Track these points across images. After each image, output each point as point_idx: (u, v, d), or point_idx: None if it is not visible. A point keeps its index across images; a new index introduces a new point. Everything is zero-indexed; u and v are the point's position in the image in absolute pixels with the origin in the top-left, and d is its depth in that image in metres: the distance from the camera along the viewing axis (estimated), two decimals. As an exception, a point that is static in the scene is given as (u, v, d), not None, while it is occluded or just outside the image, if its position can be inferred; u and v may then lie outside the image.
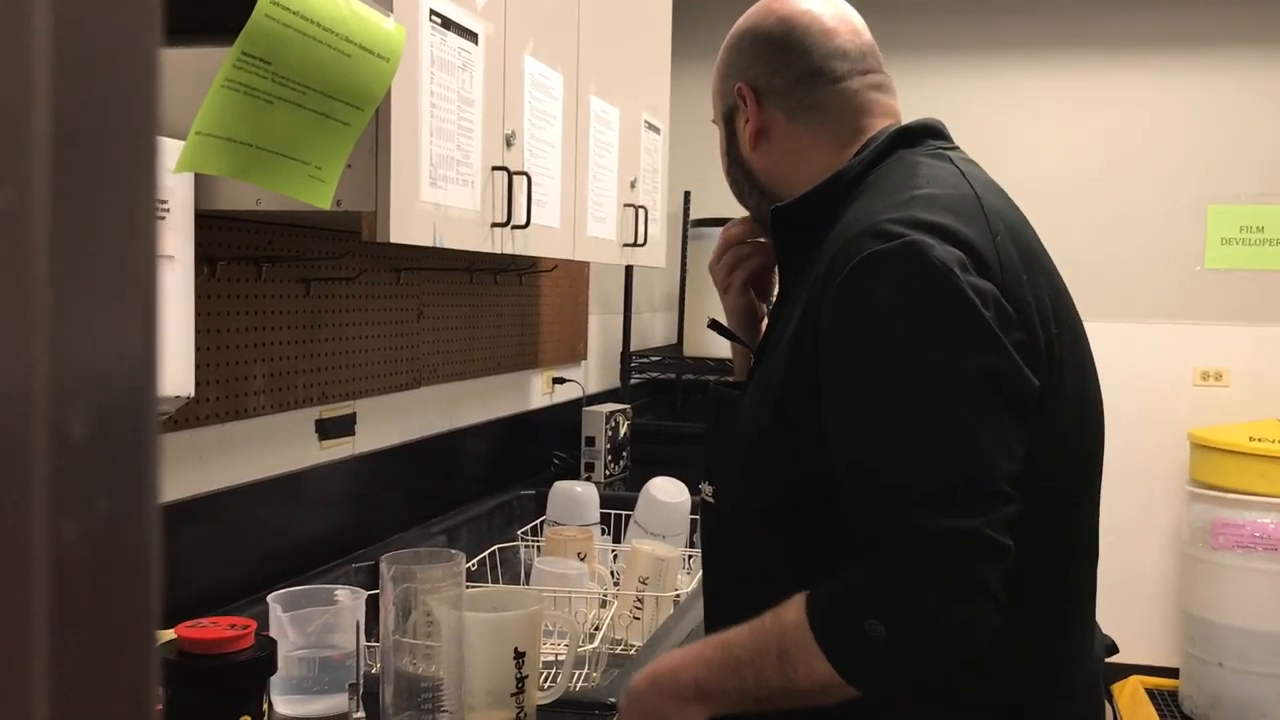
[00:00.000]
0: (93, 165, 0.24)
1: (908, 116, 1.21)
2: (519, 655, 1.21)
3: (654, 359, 3.60)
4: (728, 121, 1.25)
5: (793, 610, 0.96)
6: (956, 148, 1.17)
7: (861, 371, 0.97)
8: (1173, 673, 3.82)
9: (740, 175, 1.25)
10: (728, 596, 1.18)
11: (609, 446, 2.83)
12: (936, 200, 1.02)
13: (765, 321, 1.31)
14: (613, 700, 1.32)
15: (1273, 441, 3.43)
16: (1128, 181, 3.92)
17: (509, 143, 1.69)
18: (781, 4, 1.19)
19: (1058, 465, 1.04)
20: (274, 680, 1.14)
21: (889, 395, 0.95)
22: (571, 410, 2.91)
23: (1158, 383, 3.92)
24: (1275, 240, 3.80)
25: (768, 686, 0.97)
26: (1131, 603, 3.97)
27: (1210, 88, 3.84)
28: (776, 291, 1.30)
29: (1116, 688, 3.92)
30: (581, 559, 1.81)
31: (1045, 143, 3.97)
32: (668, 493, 2.10)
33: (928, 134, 1.15)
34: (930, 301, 0.95)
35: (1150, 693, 3.81)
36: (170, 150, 1.38)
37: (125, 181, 0.25)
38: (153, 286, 0.25)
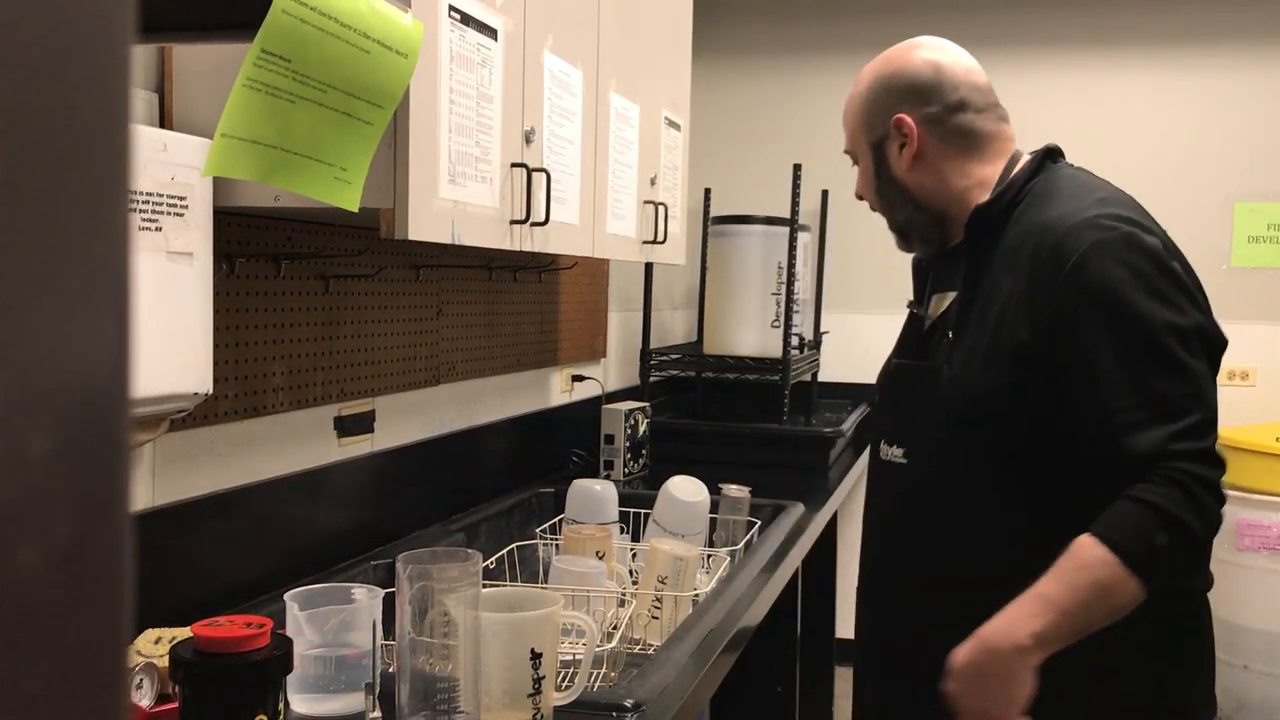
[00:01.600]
0: (54, 159, 0.23)
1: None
2: (536, 656, 1.20)
3: (674, 356, 3.59)
4: (876, 149, 1.49)
5: (1088, 550, 1.20)
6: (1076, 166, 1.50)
7: (1110, 332, 1.24)
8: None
9: (893, 193, 1.50)
10: (912, 551, 1.44)
11: (628, 444, 2.82)
12: (1120, 201, 1.34)
13: (939, 303, 1.51)
14: (631, 702, 1.31)
15: (1300, 442, 3.40)
16: (1153, 179, 3.87)
17: (528, 139, 1.68)
18: (922, 48, 1.49)
19: None
20: (290, 679, 1.14)
21: (1136, 347, 1.23)
22: (591, 408, 2.91)
23: (1183, 382, 3.87)
24: (1303, 238, 3.75)
25: (1093, 616, 1.21)
26: (1155, 604, 3.93)
27: (1237, 84, 3.80)
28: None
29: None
30: (600, 557, 1.81)
31: (1070, 140, 3.92)
32: (687, 491, 2.09)
33: (1059, 154, 1.49)
34: (1151, 275, 1.25)
35: (1174, 695, 3.77)
36: (200, 151, 1.38)
37: (93, 175, 0.24)
38: (125, 285, 0.24)
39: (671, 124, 2.46)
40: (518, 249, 1.67)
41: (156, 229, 1.33)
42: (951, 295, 1.45)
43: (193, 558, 1.53)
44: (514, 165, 1.64)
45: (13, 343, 0.22)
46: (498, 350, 2.47)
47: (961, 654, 1.26)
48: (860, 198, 1.57)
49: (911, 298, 1.61)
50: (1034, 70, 3.94)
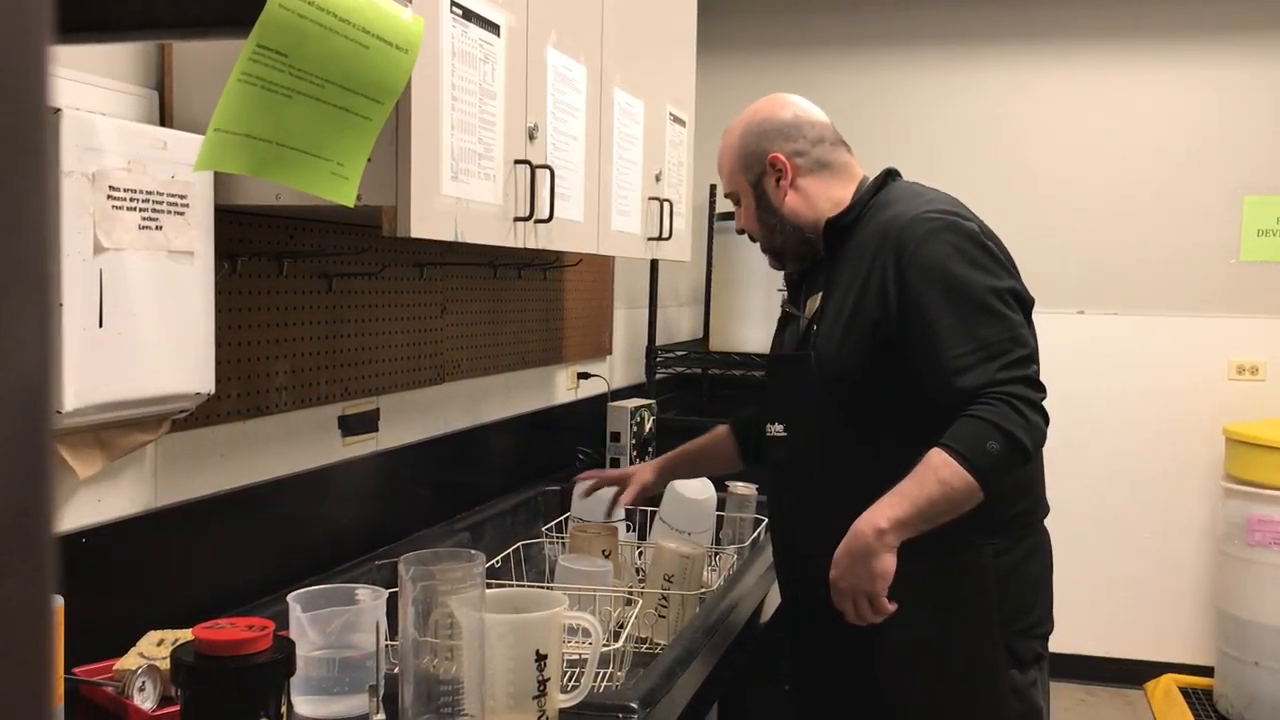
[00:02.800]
0: None
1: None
2: (540, 657, 1.19)
3: (680, 353, 3.58)
4: (756, 186, 1.73)
5: (935, 456, 1.45)
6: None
7: (943, 296, 1.51)
8: (1207, 671, 3.76)
9: (774, 221, 1.73)
10: (816, 501, 1.65)
11: (634, 442, 2.81)
12: (943, 200, 1.66)
13: (812, 303, 1.72)
14: (636, 703, 1.30)
15: (1311, 436, 3.37)
16: (1162, 173, 3.85)
17: (531, 136, 1.67)
18: (779, 100, 1.76)
19: None
20: (294, 681, 1.12)
21: (964, 305, 1.51)
22: (596, 405, 2.89)
23: (1192, 376, 3.85)
24: (1313, 231, 3.73)
25: (938, 508, 1.45)
26: (1165, 600, 3.92)
27: (1246, 77, 3.77)
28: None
29: (1149, 686, 3.87)
30: (606, 556, 1.79)
31: (1079, 133, 3.91)
32: (694, 489, 2.07)
33: (897, 174, 1.76)
34: (971, 250, 1.55)
35: (1184, 691, 3.75)
36: (192, 147, 1.37)
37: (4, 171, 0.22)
38: (46, 290, 0.23)
39: (676, 120, 2.45)
40: (521, 246, 1.66)
41: (157, 228, 1.32)
42: (816, 297, 1.70)
43: (195, 559, 1.52)
44: (517, 162, 1.62)
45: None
46: (502, 348, 2.46)
47: (839, 546, 1.49)
48: (741, 232, 1.80)
49: (786, 302, 1.87)
50: (1042, 64, 3.92)
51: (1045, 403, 1.50)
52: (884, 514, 1.46)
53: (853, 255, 1.64)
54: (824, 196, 1.71)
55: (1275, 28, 3.74)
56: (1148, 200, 3.87)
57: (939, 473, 1.45)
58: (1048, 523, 1.69)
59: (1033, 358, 1.53)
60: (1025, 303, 1.59)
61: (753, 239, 1.80)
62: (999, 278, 1.55)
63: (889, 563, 1.45)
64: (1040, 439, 1.50)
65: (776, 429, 1.73)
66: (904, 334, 1.55)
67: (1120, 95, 3.86)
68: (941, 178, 1.94)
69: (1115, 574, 3.94)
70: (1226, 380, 3.84)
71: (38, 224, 0.23)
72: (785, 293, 1.88)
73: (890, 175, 1.75)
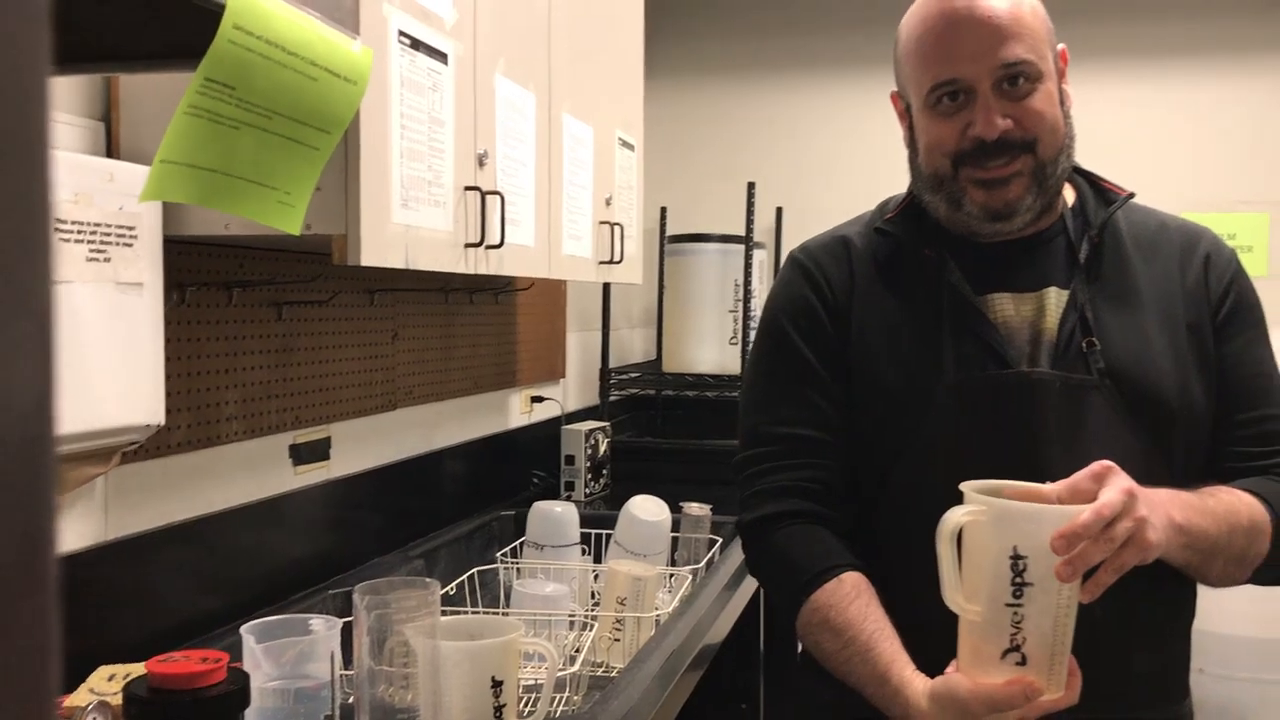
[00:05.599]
0: None
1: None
2: (496, 684, 1.19)
3: (633, 375, 3.59)
4: (1057, 70, 1.28)
5: (1244, 498, 1.17)
6: None
7: (1267, 338, 1.28)
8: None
9: (1069, 129, 1.27)
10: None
11: (589, 465, 2.82)
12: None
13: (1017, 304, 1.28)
14: (593, 725, 1.30)
15: (1250, 447, 3.45)
16: (1101, 190, 3.93)
17: (481, 162, 1.68)
18: None
19: None
20: (249, 713, 1.12)
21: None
22: (550, 429, 2.90)
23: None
24: (1249, 247, 3.82)
25: (1226, 541, 1.14)
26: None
27: (1187, 96, 3.87)
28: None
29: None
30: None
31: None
32: (648, 511, 2.09)
33: None
34: None
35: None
36: (139, 178, 1.37)
37: (9, 197, 0.23)
38: (48, 318, 0.24)
39: (625, 144, 2.47)
40: (473, 272, 1.67)
41: (105, 259, 1.31)
42: (1032, 295, 1.26)
43: (146, 592, 1.51)
44: (468, 188, 1.63)
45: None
46: (455, 373, 2.46)
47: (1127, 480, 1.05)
48: (1005, 135, 1.20)
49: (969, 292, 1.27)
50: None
51: None
52: (1177, 511, 1.11)
53: (1134, 249, 1.29)
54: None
55: (1214, 49, 3.85)
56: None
57: (1250, 512, 1.16)
58: None
59: None
60: None
61: (1002, 148, 1.20)
62: None
63: (1158, 534, 1.03)
64: None
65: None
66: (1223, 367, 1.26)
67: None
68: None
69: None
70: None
71: (42, 254, 0.24)
72: (955, 281, 1.26)
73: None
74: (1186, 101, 3.88)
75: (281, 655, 1.25)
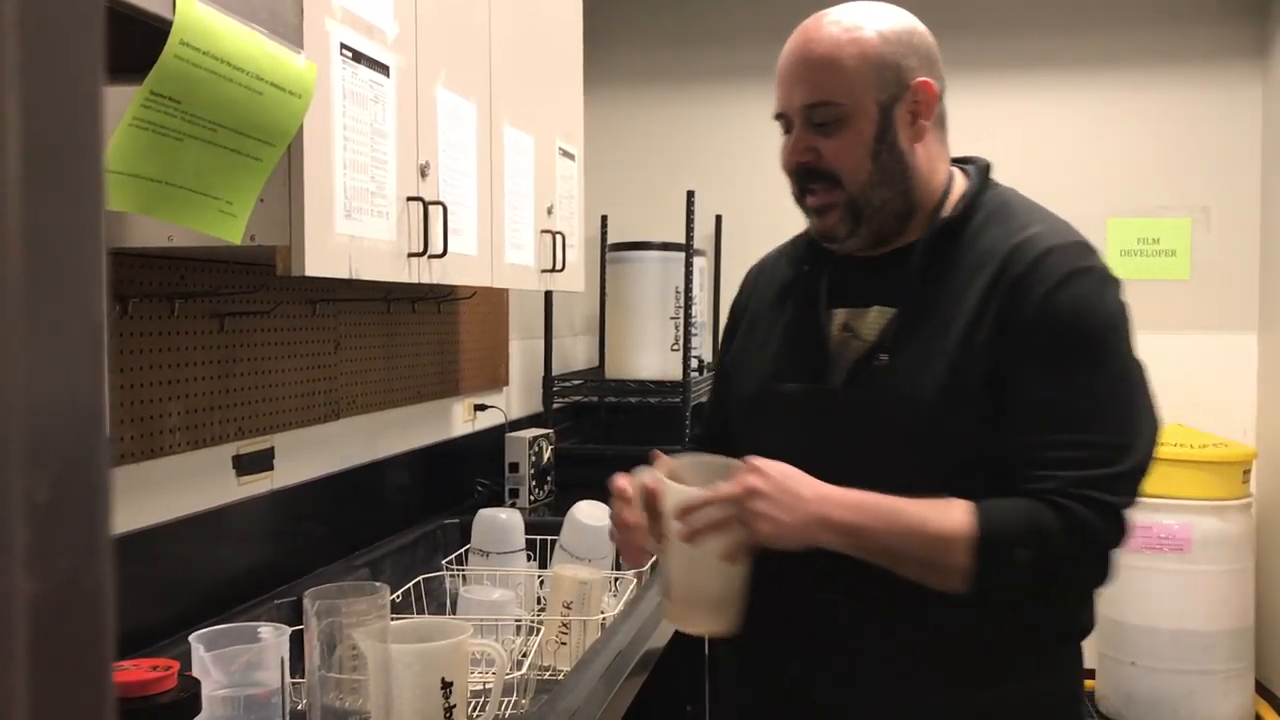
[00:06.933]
0: (56, 213, 0.25)
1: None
2: (446, 685, 1.21)
3: (576, 382, 3.62)
4: (884, 111, 1.26)
5: (958, 510, 1.16)
6: None
7: (1094, 361, 1.21)
8: (1089, 674, 3.93)
9: (892, 167, 1.27)
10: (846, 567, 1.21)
11: (533, 472, 2.83)
12: (1075, 229, 1.32)
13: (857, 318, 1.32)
14: (541, 726, 1.32)
15: (1174, 445, 3.56)
16: (1030, 195, 4.03)
17: (423, 173, 1.70)
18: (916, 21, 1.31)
19: None
20: (197, 721, 1.13)
21: (1117, 380, 1.22)
22: (494, 436, 2.91)
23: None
24: (1170, 251, 3.94)
25: (903, 558, 1.17)
26: (1048, 607, 4.07)
27: (1109, 106, 3.99)
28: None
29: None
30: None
31: (951, 161, 4.07)
32: (593, 516, 2.11)
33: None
34: (1127, 317, 1.25)
35: (1069, 694, 3.91)
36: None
37: (80, 229, 0.26)
38: (100, 332, 0.26)
39: (565, 154, 2.50)
40: (416, 281, 1.69)
41: (46, 272, 1.31)
42: (876, 311, 1.29)
43: (90, 604, 1.50)
44: (410, 199, 1.65)
45: (18, 393, 0.24)
46: (398, 382, 2.47)
47: (801, 483, 1.17)
48: (801, 166, 1.28)
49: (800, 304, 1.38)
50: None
51: None
52: (848, 513, 1.16)
53: (963, 272, 1.26)
54: (941, 166, 1.32)
55: (1134, 61, 3.97)
56: (1019, 224, 4.05)
57: (942, 530, 1.15)
58: None
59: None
60: None
61: (811, 177, 1.27)
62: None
63: (800, 529, 1.15)
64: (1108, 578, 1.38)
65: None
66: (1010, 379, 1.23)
67: (990, 124, 4.04)
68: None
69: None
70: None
71: (94, 268, 0.26)
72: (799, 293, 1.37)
73: (987, 170, 1.40)
74: (1109, 111, 4.00)
75: (231, 663, 1.26)
